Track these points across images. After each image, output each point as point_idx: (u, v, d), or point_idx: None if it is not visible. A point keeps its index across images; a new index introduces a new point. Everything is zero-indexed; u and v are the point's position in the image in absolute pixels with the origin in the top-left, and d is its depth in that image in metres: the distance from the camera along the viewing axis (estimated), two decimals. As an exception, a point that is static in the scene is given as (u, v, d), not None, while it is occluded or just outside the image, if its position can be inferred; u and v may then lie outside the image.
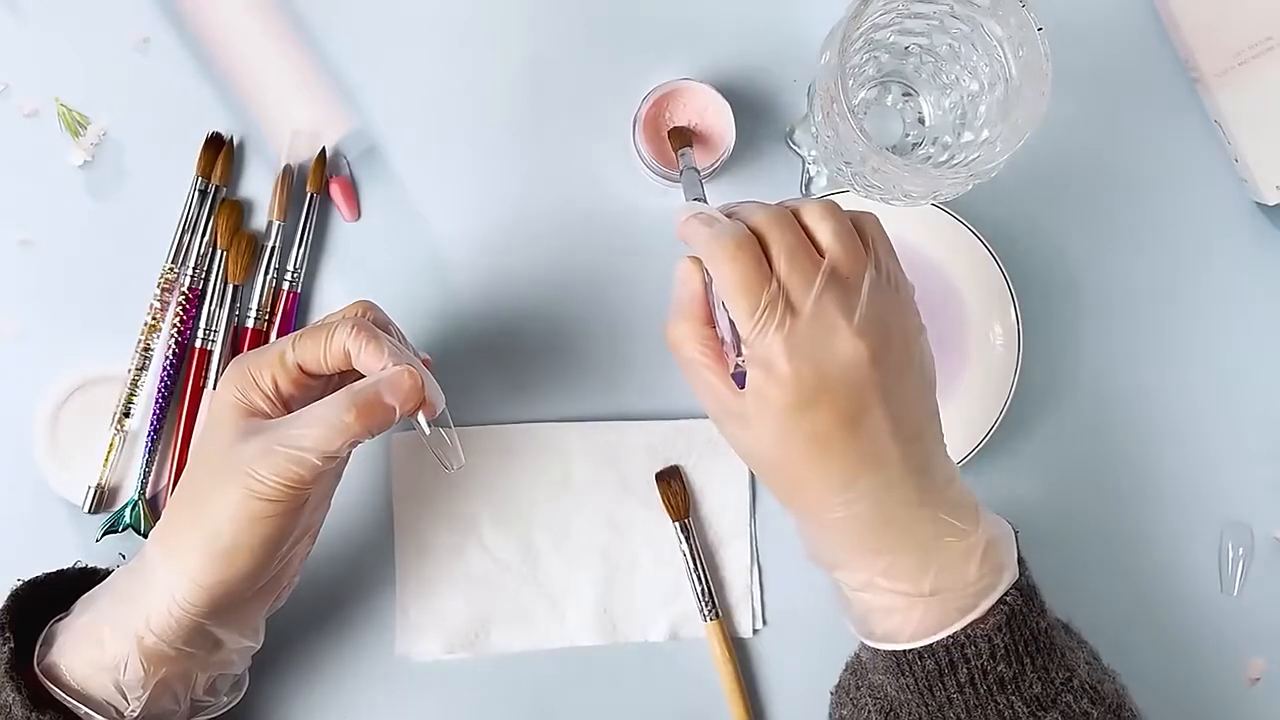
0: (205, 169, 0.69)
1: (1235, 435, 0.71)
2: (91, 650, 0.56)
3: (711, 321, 0.54)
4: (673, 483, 0.69)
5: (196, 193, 0.69)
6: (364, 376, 0.57)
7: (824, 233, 0.52)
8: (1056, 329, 0.71)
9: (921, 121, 0.65)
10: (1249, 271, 0.71)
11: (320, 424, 0.54)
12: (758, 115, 0.70)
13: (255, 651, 0.62)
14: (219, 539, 0.55)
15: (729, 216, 0.54)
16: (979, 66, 0.60)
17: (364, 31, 0.71)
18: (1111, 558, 0.71)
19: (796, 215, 0.53)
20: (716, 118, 0.68)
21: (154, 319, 0.68)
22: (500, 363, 0.70)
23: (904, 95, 0.66)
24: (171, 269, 0.69)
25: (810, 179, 0.70)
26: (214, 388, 0.68)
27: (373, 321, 0.59)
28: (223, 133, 0.69)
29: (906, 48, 0.63)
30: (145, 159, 0.70)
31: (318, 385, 0.59)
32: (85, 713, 0.56)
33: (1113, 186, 0.71)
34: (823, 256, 0.52)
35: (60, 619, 0.59)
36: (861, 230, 0.53)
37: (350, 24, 0.71)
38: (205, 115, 0.70)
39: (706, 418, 0.69)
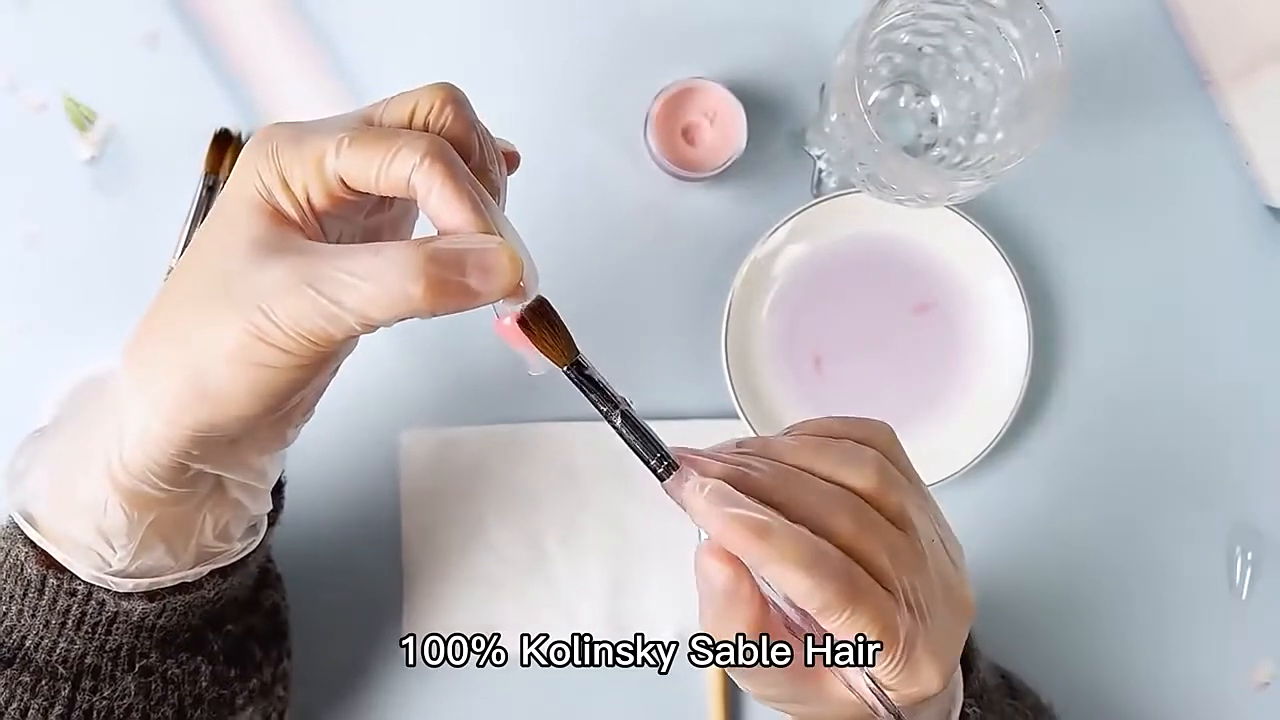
0: (213, 165, 0.68)
1: (1246, 437, 0.71)
2: (64, 496, 0.47)
3: (765, 617, 0.44)
4: None
5: (204, 188, 0.68)
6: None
7: (893, 502, 0.44)
8: (1067, 331, 0.71)
9: (935, 122, 0.65)
10: (1260, 273, 0.71)
11: (375, 280, 0.40)
12: (769, 115, 0.70)
13: (269, 490, 0.51)
14: (206, 380, 0.42)
15: (742, 476, 0.43)
16: (994, 68, 0.60)
17: (374, 27, 0.70)
18: (1120, 560, 0.70)
19: (819, 460, 0.44)
20: (728, 117, 0.67)
21: (161, 315, 0.68)
22: (508, 361, 0.70)
23: (917, 96, 0.65)
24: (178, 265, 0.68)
25: (821, 180, 0.70)
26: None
27: (455, 131, 0.43)
28: (231, 128, 0.69)
29: (921, 48, 0.62)
30: (153, 154, 0.70)
31: (363, 200, 0.45)
32: (63, 558, 0.47)
33: (1124, 188, 0.71)
34: (896, 524, 0.44)
35: (32, 439, 0.50)
36: (897, 461, 0.46)
37: (360, 20, 0.70)
38: (213, 110, 0.69)
39: (715, 419, 0.70)
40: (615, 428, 0.44)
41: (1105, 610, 0.70)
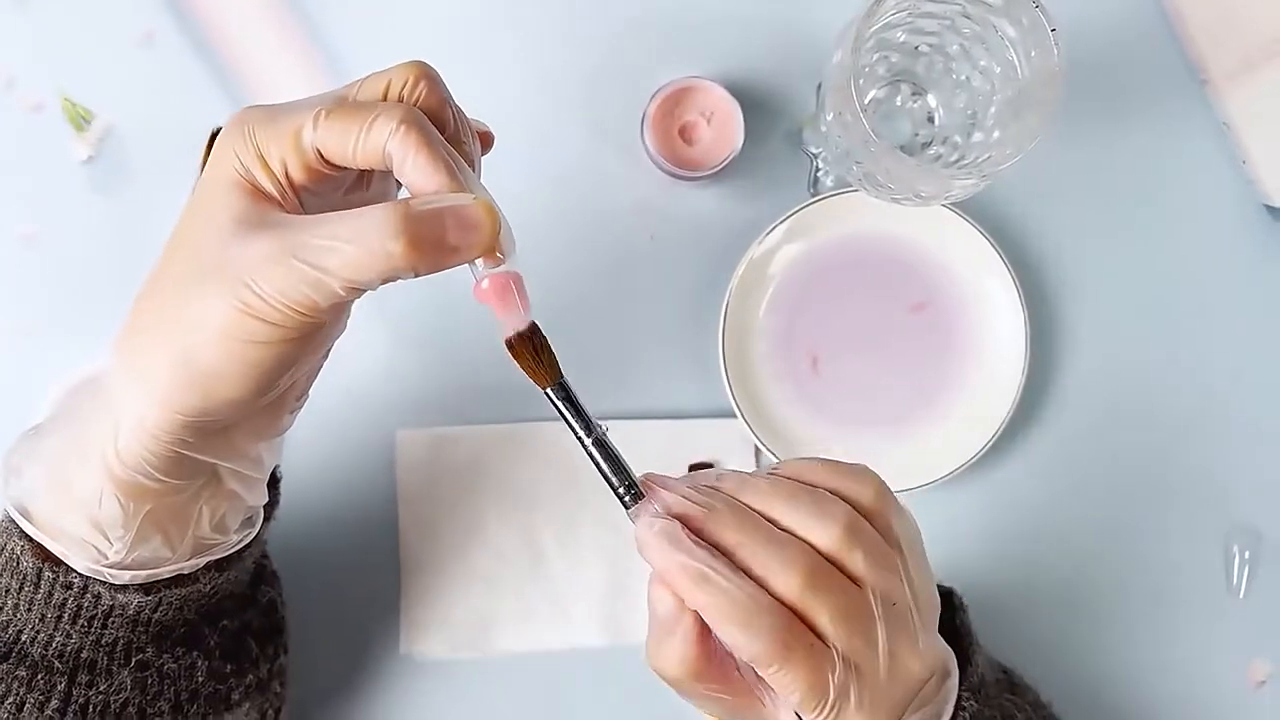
0: (210, 164, 0.68)
1: (1243, 437, 0.71)
2: (60, 490, 0.47)
3: (710, 652, 0.45)
4: None
5: (201, 188, 0.68)
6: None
7: (856, 562, 0.44)
8: (1064, 329, 0.71)
9: (931, 120, 0.65)
10: (1257, 273, 0.71)
11: (356, 242, 0.40)
12: (766, 114, 0.70)
13: (265, 481, 0.51)
14: (196, 361, 0.42)
15: (696, 514, 0.44)
16: (990, 67, 0.60)
17: (370, 26, 0.70)
18: (1117, 559, 0.70)
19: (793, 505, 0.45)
20: (725, 116, 0.67)
21: (158, 315, 0.68)
22: (506, 361, 0.70)
23: (913, 94, 0.66)
24: (176, 265, 0.68)
25: (818, 178, 0.70)
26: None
27: (429, 104, 0.44)
28: (228, 128, 0.69)
29: (917, 47, 0.62)
30: (149, 154, 0.70)
31: (341, 176, 0.45)
32: (60, 551, 0.47)
33: (1120, 187, 0.71)
34: (856, 582, 0.44)
35: (27, 436, 0.49)
36: (876, 515, 0.46)
37: (357, 19, 0.70)
38: (210, 110, 0.69)
39: (712, 418, 0.70)
40: (588, 451, 0.46)
41: (1102, 609, 0.70)
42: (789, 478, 0.46)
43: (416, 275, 0.42)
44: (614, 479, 0.45)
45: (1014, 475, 0.71)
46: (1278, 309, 0.71)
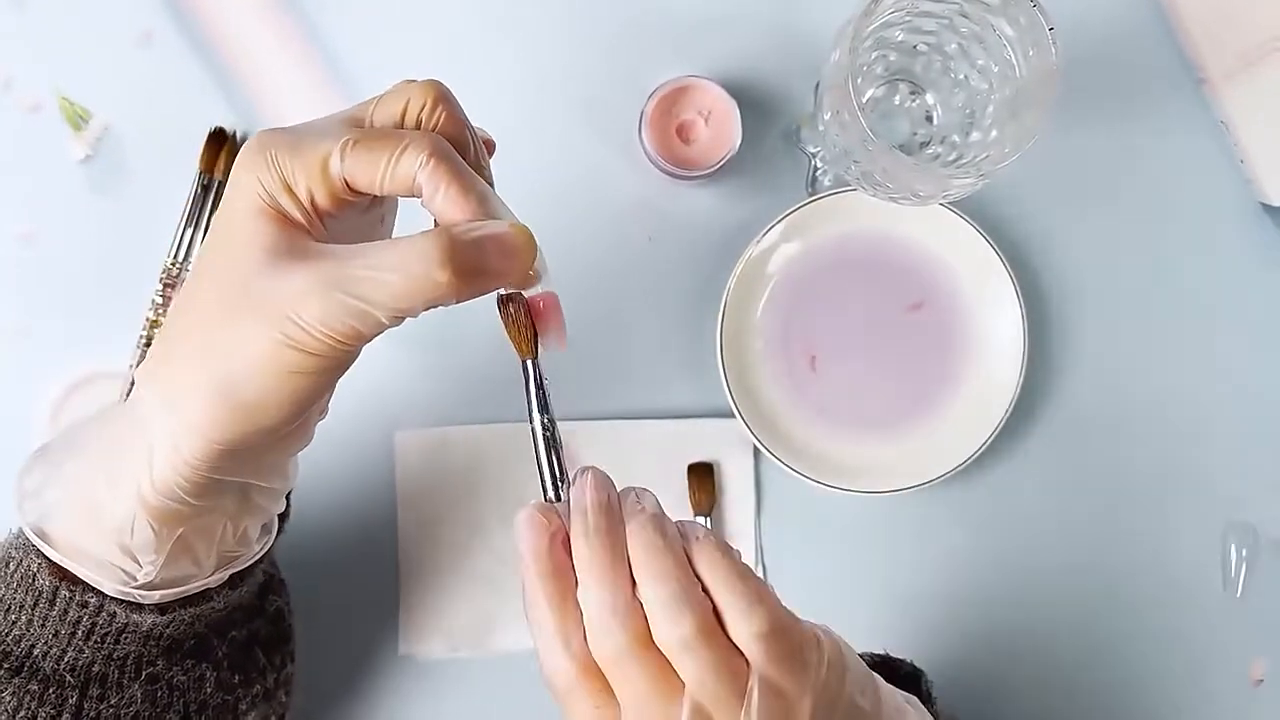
0: (208, 164, 0.68)
1: (1240, 435, 0.71)
2: (86, 517, 0.47)
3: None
4: (703, 476, 0.69)
5: (199, 188, 0.68)
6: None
7: (755, 651, 0.40)
8: (1061, 328, 0.71)
9: (929, 120, 0.65)
10: (1254, 272, 0.71)
11: (400, 272, 0.41)
12: (764, 113, 0.70)
13: (288, 491, 0.52)
14: (238, 392, 0.42)
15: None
16: (988, 66, 0.60)
17: (369, 26, 0.70)
18: (1115, 558, 0.70)
19: (711, 589, 0.41)
20: (722, 115, 0.67)
21: (156, 315, 0.68)
22: (504, 361, 0.70)
23: (912, 93, 0.66)
24: (173, 264, 0.68)
25: (816, 178, 0.70)
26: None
27: (449, 129, 0.44)
28: (225, 128, 0.69)
29: (915, 46, 0.63)
30: (147, 154, 0.69)
31: (361, 200, 0.45)
32: (86, 575, 0.47)
33: (1118, 186, 0.71)
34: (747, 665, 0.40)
35: (42, 458, 0.49)
36: (806, 648, 0.41)
37: (354, 19, 0.70)
38: (208, 110, 0.69)
39: (711, 417, 0.70)
40: (533, 434, 0.45)
41: (1099, 607, 0.70)
42: (698, 556, 0.42)
43: (458, 301, 0.42)
44: (546, 471, 0.44)
45: (1012, 474, 0.71)
46: (1275, 307, 0.71)
